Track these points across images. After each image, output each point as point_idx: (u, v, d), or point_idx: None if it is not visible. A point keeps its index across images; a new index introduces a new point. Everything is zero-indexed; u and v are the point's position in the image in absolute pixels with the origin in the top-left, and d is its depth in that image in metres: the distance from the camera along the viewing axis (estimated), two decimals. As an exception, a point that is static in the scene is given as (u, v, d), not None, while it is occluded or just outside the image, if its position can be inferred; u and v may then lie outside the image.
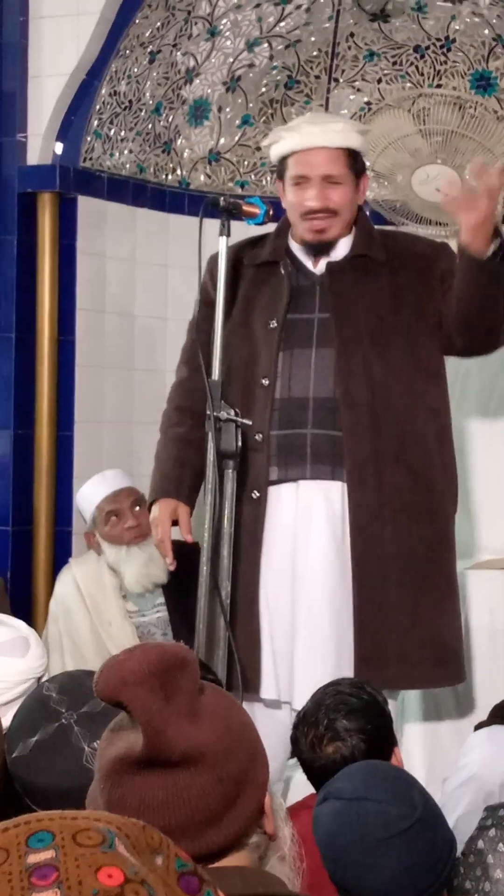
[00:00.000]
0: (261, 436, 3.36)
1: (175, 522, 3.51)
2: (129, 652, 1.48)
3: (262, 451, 3.37)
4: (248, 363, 3.43)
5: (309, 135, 3.42)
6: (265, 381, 3.38)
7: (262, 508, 3.38)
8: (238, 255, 3.52)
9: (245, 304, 3.46)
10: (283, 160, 3.45)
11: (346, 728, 2.44)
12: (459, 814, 2.90)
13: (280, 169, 3.49)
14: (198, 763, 1.44)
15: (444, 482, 3.47)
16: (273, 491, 3.39)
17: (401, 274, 3.47)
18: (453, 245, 4.89)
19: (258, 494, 3.36)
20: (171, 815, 1.44)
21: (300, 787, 3.65)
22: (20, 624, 3.25)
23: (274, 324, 3.42)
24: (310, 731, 2.47)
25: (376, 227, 3.64)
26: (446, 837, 2.01)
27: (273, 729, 3.36)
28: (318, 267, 3.48)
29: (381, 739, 2.48)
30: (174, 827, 1.44)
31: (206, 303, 3.51)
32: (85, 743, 2.02)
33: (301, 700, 3.34)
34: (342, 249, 3.48)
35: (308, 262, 3.49)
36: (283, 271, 3.46)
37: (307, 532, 3.38)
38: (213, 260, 3.53)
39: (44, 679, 2.97)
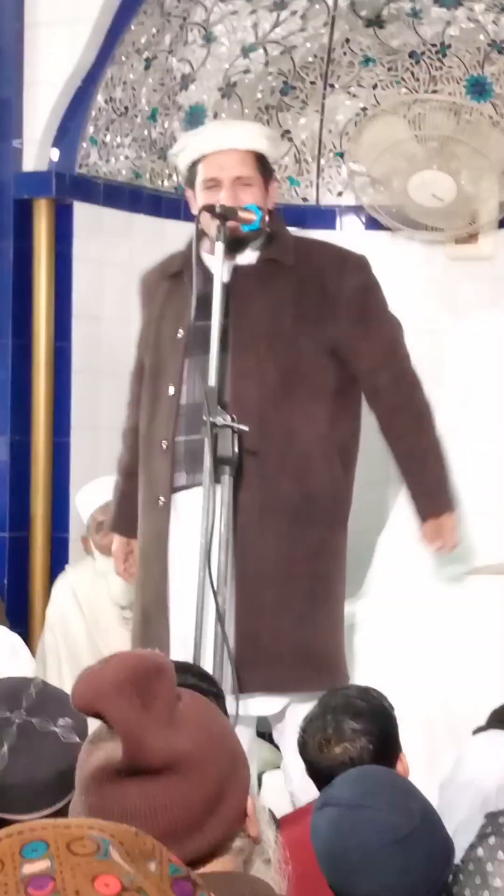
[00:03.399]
0: (166, 443, 3.40)
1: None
2: (105, 661, 1.48)
3: (167, 458, 3.40)
4: (155, 374, 3.49)
5: (218, 137, 3.46)
6: (171, 390, 3.42)
7: (168, 514, 3.41)
8: (161, 270, 3.59)
9: (158, 318, 3.50)
10: (193, 166, 3.46)
11: (354, 730, 2.45)
12: (458, 819, 2.89)
13: (189, 176, 3.49)
14: (178, 770, 1.44)
15: (324, 491, 3.47)
16: (182, 496, 3.40)
17: (307, 281, 3.48)
18: (452, 249, 4.90)
19: (164, 500, 3.38)
20: (154, 822, 1.43)
21: (277, 791, 3.65)
22: (2, 630, 3.26)
23: (181, 333, 3.44)
24: (317, 733, 2.47)
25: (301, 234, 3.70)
26: (444, 844, 2.01)
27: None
28: (225, 273, 3.49)
29: (388, 743, 2.49)
30: (157, 835, 1.43)
31: (143, 322, 3.63)
32: (51, 725, 2.03)
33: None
34: (251, 254, 3.49)
35: (214, 268, 3.47)
36: (187, 280, 3.44)
37: (215, 534, 3.40)
38: (143, 280, 3.65)
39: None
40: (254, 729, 3.55)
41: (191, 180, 3.49)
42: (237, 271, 3.45)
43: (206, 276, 3.44)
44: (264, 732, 3.74)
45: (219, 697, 2.67)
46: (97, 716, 1.45)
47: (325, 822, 2.00)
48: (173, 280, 3.53)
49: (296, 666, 3.37)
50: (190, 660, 3.28)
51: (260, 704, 3.40)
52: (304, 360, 3.46)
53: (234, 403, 3.37)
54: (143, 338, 3.63)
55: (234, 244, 3.43)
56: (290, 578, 3.40)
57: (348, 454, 3.56)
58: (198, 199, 3.44)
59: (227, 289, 3.42)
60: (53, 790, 1.98)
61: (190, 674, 2.65)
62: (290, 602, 3.40)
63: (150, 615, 3.42)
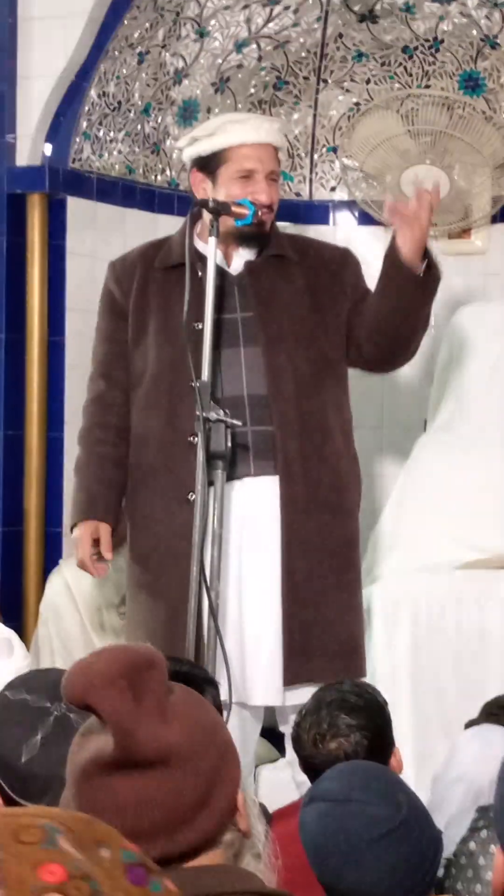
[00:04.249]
0: (194, 438, 3.33)
1: (97, 542, 3.52)
2: (96, 654, 1.49)
3: (195, 453, 3.31)
4: (172, 366, 3.43)
5: (261, 130, 3.46)
6: (195, 383, 3.34)
7: (217, 509, 3.38)
8: (145, 259, 3.54)
9: (161, 308, 3.45)
10: (220, 153, 3.45)
11: (349, 725, 2.46)
12: (450, 813, 2.90)
13: (211, 161, 3.46)
14: (169, 763, 1.44)
15: (351, 480, 3.54)
16: (217, 491, 3.37)
17: (314, 276, 3.54)
18: (445, 244, 4.90)
19: (194, 496, 3.33)
20: (144, 815, 1.44)
21: (270, 785, 3.66)
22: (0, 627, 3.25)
23: (199, 325, 3.40)
24: (312, 728, 2.48)
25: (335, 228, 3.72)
26: (432, 837, 2.02)
27: (239, 728, 3.38)
28: (234, 266, 3.51)
29: (383, 738, 2.50)
30: (148, 827, 1.44)
31: (115, 311, 3.53)
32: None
33: (258, 697, 3.37)
34: (254, 249, 3.51)
35: (221, 263, 3.48)
36: (199, 273, 3.42)
37: (255, 528, 3.42)
38: (116, 267, 3.60)
39: None
40: (261, 723, 3.56)
41: (206, 166, 3.46)
42: (249, 265, 3.47)
43: (216, 270, 3.44)
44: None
45: (212, 684, 2.68)
46: (88, 708, 1.45)
47: (312, 816, 2.00)
48: (172, 271, 3.50)
49: (343, 655, 3.42)
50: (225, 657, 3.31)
51: (297, 694, 3.40)
52: (326, 350, 3.51)
53: (273, 399, 3.41)
54: (120, 328, 3.56)
55: (247, 239, 3.45)
56: (332, 570, 3.45)
57: (353, 438, 3.62)
58: (226, 189, 3.42)
59: (239, 285, 3.45)
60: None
61: (183, 662, 2.66)
62: (334, 593, 3.44)
63: (179, 611, 3.33)
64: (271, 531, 3.41)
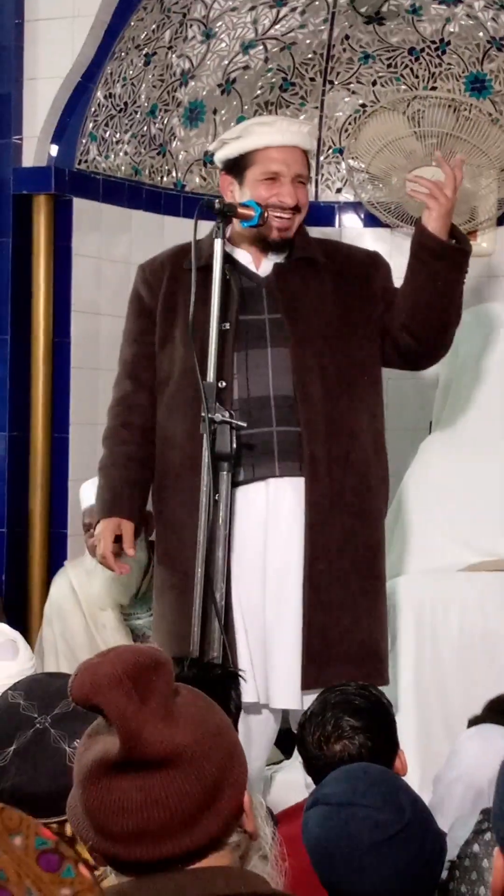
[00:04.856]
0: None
1: (119, 538, 3.51)
2: (103, 655, 1.49)
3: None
4: (194, 368, 3.43)
5: (287, 133, 3.45)
6: (221, 384, 3.35)
7: (221, 510, 3.37)
8: (174, 260, 3.53)
9: (187, 310, 3.44)
10: (247, 155, 3.45)
11: (353, 727, 2.46)
12: (450, 813, 2.91)
13: (238, 163, 3.46)
14: (175, 764, 1.44)
15: (378, 485, 3.51)
16: (241, 491, 3.38)
17: (344, 278, 3.52)
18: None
19: (219, 496, 3.31)
20: (150, 816, 1.44)
21: (282, 787, 3.66)
22: (4, 627, 3.24)
23: (226, 325, 3.40)
24: (316, 730, 2.48)
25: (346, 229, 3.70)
26: (436, 841, 2.01)
27: (256, 730, 3.37)
28: (262, 269, 3.49)
29: (387, 740, 2.49)
30: (153, 828, 1.44)
31: (143, 313, 3.53)
32: (64, 743, 2.00)
33: (279, 700, 3.36)
34: (283, 252, 3.50)
35: (249, 265, 3.49)
36: (227, 274, 3.43)
37: (278, 529, 3.40)
38: (145, 269, 3.58)
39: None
40: (279, 725, 3.56)
41: (233, 168, 3.48)
42: (277, 268, 3.46)
43: (240, 272, 3.47)
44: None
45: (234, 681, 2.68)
46: (94, 709, 1.46)
47: (315, 820, 2.00)
48: (199, 273, 3.49)
49: (363, 662, 3.39)
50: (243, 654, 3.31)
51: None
52: (356, 353, 3.49)
53: (302, 402, 3.39)
54: (148, 330, 3.55)
55: (273, 246, 3.45)
56: (355, 575, 3.42)
57: (385, 444, 3.58)
58: (252, 191, 3.42)
59: (267, 287, 3.44)
60: (35, 808, 1.91)
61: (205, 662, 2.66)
62: (356, 599, 3.41)
63: (205, 611, 3.30)
64: (295, 533, 3.39)
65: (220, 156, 3.51)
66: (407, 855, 1.95)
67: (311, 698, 3.30)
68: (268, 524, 3.39)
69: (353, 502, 3.43)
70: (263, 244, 3.47)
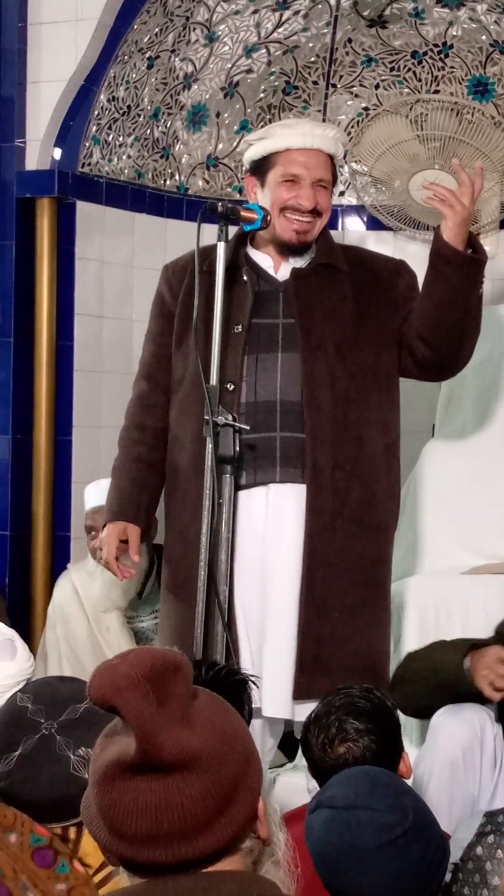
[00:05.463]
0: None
1: (125, 542, 3.50)
2: (123, 656, 1.49)
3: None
4: (206, 370, 3.42)
5: (309, 136, 3.42)
6: (230, 386, 3.35)
7: (225, 514, 3.33)
8: (192, 264, 3.51)
9: (205, 311, 3.43)
10: (269, 157, 3.44)
11: (358, 729, 2.46)
12: (433, 786, 2.93)
13: (262, 165, 3.45)
14: (190, 768, 1.45)
15: (387, 498, 3.48)
16: (243, 495, 3.36)
17: (364, 286, 3.48)
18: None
19: (221, 501, 3.28)
20: (164, 819, 1.44)
21: (285, 790, 3.66)
22: (1, 626, 3.23)
23: (239, 328, 3.40)
24: (321, 732, 2.48)
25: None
26: (439, 843, 2.02)
27: (259, 736, 3.36)
28: (280, 273, 3.47)
29: (391, 743, 2.50)
30: (167, 831, 1.44)
31: (163, 314, 3.54)
32: (69, 751, 2.00)
33: (269, 709, 3.34)
34: (304, 257, 3.49)
35: (269, 269, 3.49)
36: (244, 277, 3.44)
37: (277, 535, 3.38)
38: (168, 270, 3.58)
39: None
40: (280, 733, 3.55)
41: (260, 169, 3.46)
42: (295, 273, 3.45)
43: (259, 276, 3.46)
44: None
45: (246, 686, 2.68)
46: (112, 710, 1.46)
47: (319, 823, 2.00)
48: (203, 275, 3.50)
49: (358, 674, 3.30)
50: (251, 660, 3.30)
51: (307, 710, 3.39)
52: (371, 363, 3.45)
53: (309, 408, 3.37)
54: (166, 331, 3.54)
55: (291, 249, 3.44)
56: (355, 586, 3.39)
57: (399, 457, 3.55)
58: (272, 193, 3.42)
59: (285, 291, 3.43)
60: (35, 814, 1.89)
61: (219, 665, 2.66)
62: (354, 610, 3.39)
63: (207, 615, 3.29)
64: (295, 540, 3.37)
65: (246, 157, 3.52)
66: (411, 857, 1.96)
67: (305, 709, 3.31)
68: (267, 529, 3.38)
69: (357, 512, 3.40)
70: (283, 247, 3.46)
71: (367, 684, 3.29)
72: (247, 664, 3.33)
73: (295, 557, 3.36)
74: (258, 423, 3.36)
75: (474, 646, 3.08)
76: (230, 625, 3.27)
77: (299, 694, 3.31)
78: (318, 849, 2.00)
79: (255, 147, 3.47)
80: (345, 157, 5.06)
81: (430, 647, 3.25)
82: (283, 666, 3.34)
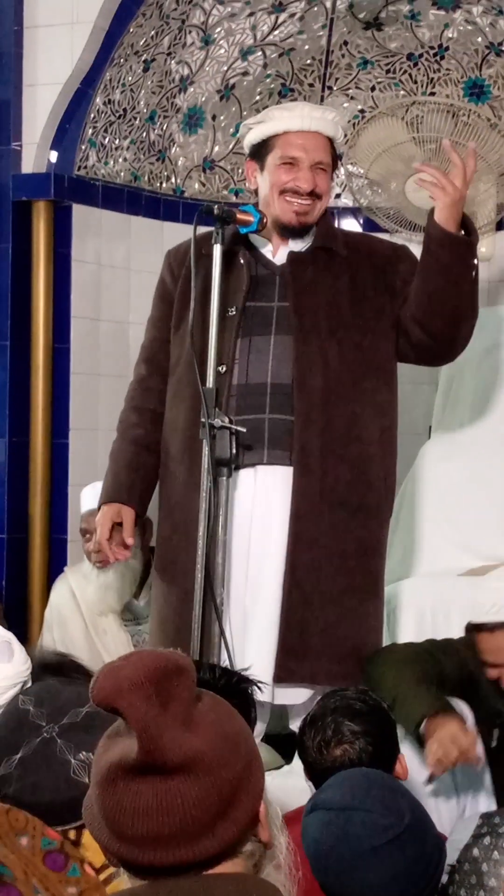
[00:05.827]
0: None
1: (120, 525, 3.50)
2: (126, 658, 1.49)
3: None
4: (203, 351, 3.43)
5: (307, 118, 3.43)
6: (222, 368, 3.35)
7: (222, 515, 3.37)
8: (197, 247, 3.52)
9: (203, 294, 3.43)
10: (268, 140, 3.44)
11: (354, 731, 2.46)
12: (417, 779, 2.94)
13: (261, 148, 3.46)
14: (192, 771, 1.44)
15: (380, 482, 3.47)
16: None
17: (361, 271, 3.48)
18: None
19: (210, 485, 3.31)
20: (165, 822, 1.44)
21: (282, 792, 3.65)
22: None
23: (233, 311, 3.41)
24: (317, 734, 2.48)
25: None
26: (435, 844, 2.02)
27: None
28: (278, 257, 3.48)
29: (387, 744, 2.50)
30: (167, 834, 1.44)
31: (164, 298, 3.55)
32: (70, 755, 2.00)
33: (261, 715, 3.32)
34: (304, 240, 3.49)
35: (268, 253, 3.49)
36: (241, 260, 3.45)
37: (264, 516, 3.38)
38: (170, 255, 3.59)
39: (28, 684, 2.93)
40: (264, 725, 3.54)
41: (259, 152, 3.47)
42: (292, 256, 3.45)
43: (257, 259, 3.46)
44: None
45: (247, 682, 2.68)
46: (115, 712, 1.46)
47: (315, 825, 2.00)
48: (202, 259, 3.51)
49: (342, 660, 3.34)
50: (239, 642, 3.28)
51: (287, 694, 3.37)
52: (366, 347, 3.45)
53: (299, 391, 3.36)
54: (166, 315, 3.55)
55: (291, 231, 3.44)
56: (342, 571, 3.39)
57: (395, 442, 3.55)
58: (271, 176, 3.43)
59: (282, 275, 3.43)
60: (37, 817, 1.94)
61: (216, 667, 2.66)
62: (341, 595, 3.38)
63: (189, 597, 3.28)
64: (280, 522, 3.37)
65: (246, 141, 3.53)
66: (406, 858, 1.96)
67: (286, 693, 3.30)
68: (254, 511, 3.38)
69: (347, 497, 3.39)
70: (283, 229, 3.46)
71: (350, 670, 3.30)
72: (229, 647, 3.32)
73: (281, 540, 3.36)
74: (248, 405, 3.37)
75: (439, 710, 3.03)
76: (206, 618, 3.27)
77: (280, 677, 3.30)
78: (314, 850, 2.00)
79: (255, 131, 3.48)
80: (340, 159, 5.06)
81: (403, 670, 3.19)
82: (265, 650, 3.33)
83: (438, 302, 3.39)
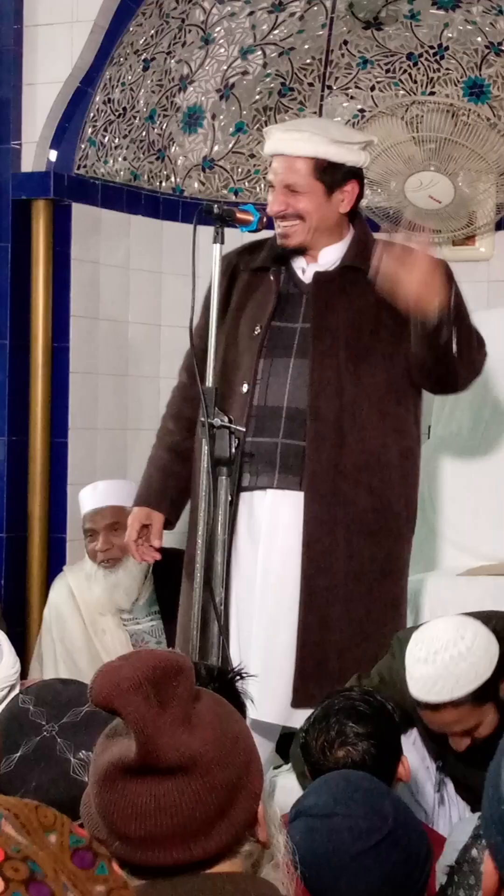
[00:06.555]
0: (237, 441, 3.32)
1: (148, 527, 3.55)
2: (125, 658, 1.49)
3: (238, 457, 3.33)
4: (230, 368, 3.43)
5: (276, 142, 3.44)
6: (244, 388, 3.37)
7: (235, 513, 3.37)
8: (236, 260, 3.53)
9: (236, 310, 3.45)
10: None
11: (357, 733, 2.45)
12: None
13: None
14: (190, 771, 1.44)
15: (401, 505, 3.44)
16: (244, 497, 3.39)
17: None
18: (449, 251, 4.90)
19: (230, 499, 3.31)
20: (162, 822, 1.44)
21: (283, 792, 3.65)
22: None
23: (258, 330, 3.41)
24: (320, 735, 2.48)
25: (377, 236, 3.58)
26: (421, 844, 2.01)
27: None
28: (307, 276, 3.47)
29: (390, 746, 2.49)
30: (165, 834, 1.44)
31: (205, 307, 3.55)
32: (70, 754, 2.00)
33: (264, 713, 3.30)
34: (332, 258, 3.46)
35: (299, 270, 3.48)
36: (271, 278, 3.46)
37: (272, 540, 3.37)
38: (223, 264, 3.57)
39: (17, 687, 2.92)
40: (275, 743, 3.55)
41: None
42: (317, 276, 3.43)
43: (291, 278, 3.45)
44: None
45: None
46: (113, 711, 1.45)
47: (300, 831, 1.99)
48: (255, 274, 3.50)
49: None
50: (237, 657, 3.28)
51: (305, 716, 3.38)
52: (387, 369, 3.40)
53: (312, 417, 3.35)
54: (206, 324, 3.52)
55: (295, 252, 3.44)
56: (359, 595, 3.36)
57: (417, 463, 3.52)
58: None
59: (308, 295, 3.42)
60: None
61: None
62: (359, 619, 3.36)
63: (207, 604, 3.33)
64: (290, 548, 3.36)
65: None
66: (392, 862, 1.95)
67: (301, 715, 3.29)
68: (262, 535, 3.38)
69: (364, 521, 3.37)
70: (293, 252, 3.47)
71: None
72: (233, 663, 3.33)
73: (292, 565, 3.35)
74: (265, 427, 3.36)
75: None
76: (224, 624, 3.27)
77: (299, 701, 3.30)
78: (300, 857, 1.99)
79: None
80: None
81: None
82: (282, 673, 3.32)
83: (428, 365, 3.36)
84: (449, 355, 3.28)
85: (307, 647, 3.33)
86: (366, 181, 4.89)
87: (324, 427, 3.35)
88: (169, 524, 3.60)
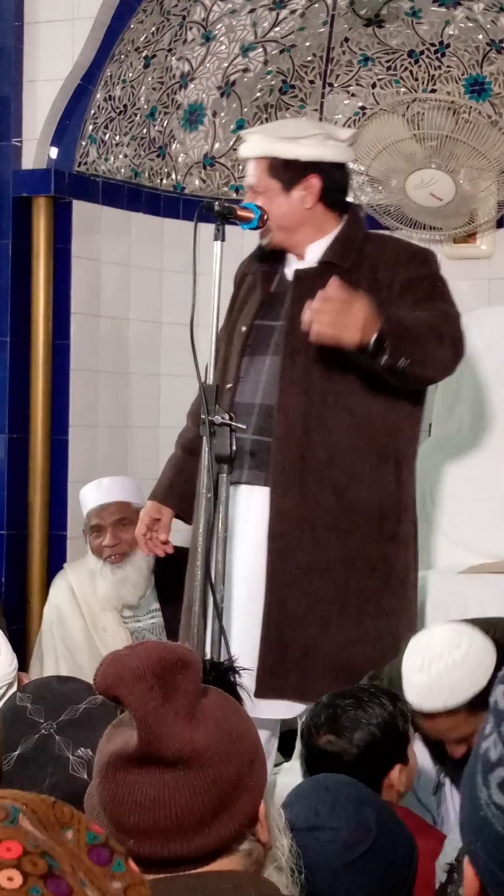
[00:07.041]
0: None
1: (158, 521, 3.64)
2: (132, 648, 1.49)
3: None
4: (221, 367, 3.46)
5: (242, 146, 3.52)
6: (229, 386, 3.41)
7: (221, 513, 3.37)
8: (246, 264, 3.63)
9: (237, 311, 3.50)
10: None
11: (360, 722, 2.46)
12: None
13: None
14: (191, 764, 1.44)
15: (374, 504, 3.38)
16: (222, 492, 3.38)
17: (361, 284, 3.33)
18: (450, 248, 4.90)
19: (209, 495, 3.30)
20: (162, 814, 1.44)
21: (283, 790, 3.65)
22: None
23: (244, 329, 3.46)
24: (321, 725, 2.49)
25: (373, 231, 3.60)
26: (406, 848, 1.99)
27: None
28: (290, 273, 3.49)
29: (393, 738, 2.49)
30: (164, 826, 1.44)
31: (232, 308, 3.62)
32: (68, 751, 2.00)
33: (250, 703, 3.31)
34: (317, 255, 3.47)
35: (287, 269, 3.50)
36: (265, 278, 3.48)
37: (244, 535, 3.38)
38: (238, 268, 3.63)
39: (14, 685, 2.92)
40: (277, 738, 3.55)
41: None
42: (297, 274, 3.45)
43: (281, 276, 3.47)
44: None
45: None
46: (116, 700, 1.46)
47: None
48: (255, 275, 3.54)
49: (325, 675, 3.29)
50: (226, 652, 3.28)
51: (275, 708, 3.38)
52: (358, 369, 3.33)
53: (279, 414, 3.35)
54: (224, 324, 3.57)
55: (272, 250, 3.46)
56: (323, 588, 3.35)
57: (406, 460, 3.47)
58: None
59: (286, 292, 3.44)
60: None
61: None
62: (321, 611, 3.35)
63: (191, 604, 3.38)
64: (257, 542, 3.37)
65: None
66: (378, 870, 1.93)
67: (268, 706, 3.29)
68: (234, 530, 3.38)
69: (331, 518, 3.35)
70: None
71: (343, 685, 3.27)
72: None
73: (258, 559, 3.36)
74: (242, 423, 3.36)
75: None
76: (205, 620, 3.27)
77: (262, 693, 3.30)
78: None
79: None
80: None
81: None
82: (247, 663, 3.32)
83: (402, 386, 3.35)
84: (399, 371, 3.23)
85: (269, 640, 3.34)
86: (367, 178, 4.90)
87: (290, 423, 3.36)
88: (182, 519, 3.63)
